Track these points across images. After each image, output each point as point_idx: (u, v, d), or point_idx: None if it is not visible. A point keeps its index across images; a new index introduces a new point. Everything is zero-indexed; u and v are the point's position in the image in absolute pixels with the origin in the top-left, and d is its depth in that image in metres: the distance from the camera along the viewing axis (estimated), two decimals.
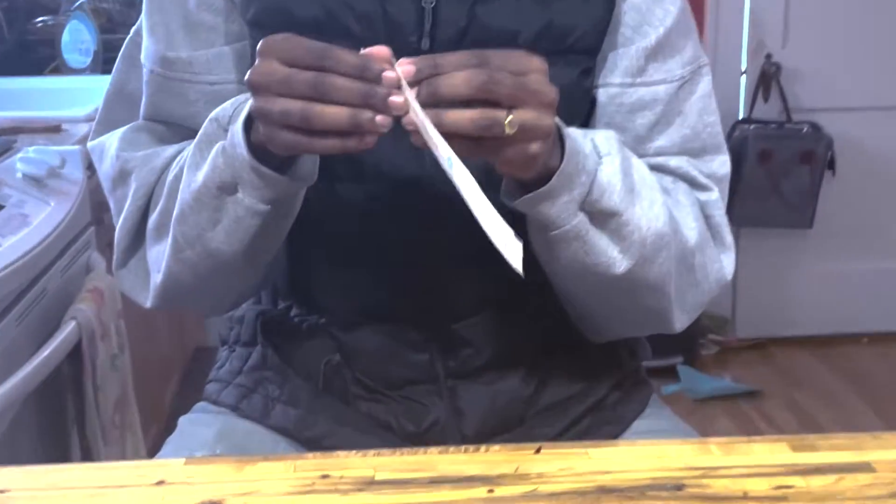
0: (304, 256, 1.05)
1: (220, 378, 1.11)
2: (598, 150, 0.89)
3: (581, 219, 0.87)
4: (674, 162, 1.00)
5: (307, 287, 1.07)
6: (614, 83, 0.98)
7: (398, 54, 0.93)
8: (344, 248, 1.01)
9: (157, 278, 0.97)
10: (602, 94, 0.99)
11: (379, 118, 0.77)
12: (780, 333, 3.28)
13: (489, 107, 0.77)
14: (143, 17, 1.01)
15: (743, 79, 3.19)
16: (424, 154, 0.91)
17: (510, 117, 0.77)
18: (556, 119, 0.85)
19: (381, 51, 0.78)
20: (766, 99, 3.14)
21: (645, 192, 0.91)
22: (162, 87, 0.99)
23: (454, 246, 0.98)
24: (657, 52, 0.98)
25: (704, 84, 1.01)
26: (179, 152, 0.97)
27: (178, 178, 0.93)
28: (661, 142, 0.99)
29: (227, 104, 0.90)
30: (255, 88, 0.79)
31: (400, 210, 0.97)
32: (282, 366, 1.07)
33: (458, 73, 0.76)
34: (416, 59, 0.77)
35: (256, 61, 0.79)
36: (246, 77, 0.80)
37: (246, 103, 0.86)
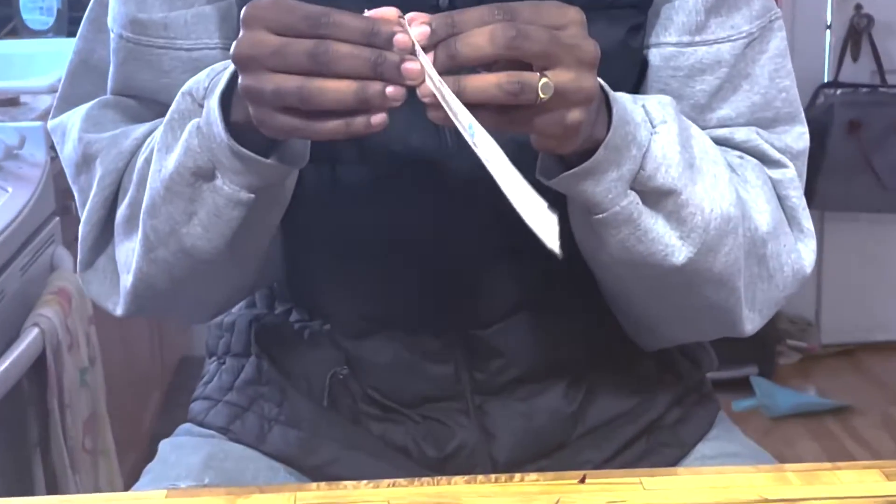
0: (303, 252, 1.05)
1: (208, 395, 1.12)
2: (650, 117, 0.89)
3: (632, 199, 0.87)
4: (741, 134, 0.99)
5: (309, 288, 1.07)
6: (669, 42, 0.98)
7: (416, 11, 0.94)
8: (350, 241, 1.01)
9: (127, 281, 0.97)
10: (655, 56, 0.99)
11: (390, 90, 0.76)
12: (874, 338, 3.26)
13: (519, 69, 0.77)
14: None
15: (827, 34, 3.17)
16: (444, 129, 0.91)
17: (544, 80, 0.77)
18: (601, 81, 0.85)
19: (388, 11, 0.78)
20: (855, 58, 3.12)
21: (707, 167, 0.91)
22: (132, 54, 0.99)
23: (482, 237, 0.98)
24: (720, 5, 0.98)
25: (777, 41, 1.01)
26: (152, 131, 0.98)
27: (148, 162, 0.93)
28: (725, 111, 0.99)
29: (202, 74, 0.90)
30: (242, 64, 0.79)
31: (416, 196, 0.98)
32: (280, 380, 1.07)
33: (481, 30, 0.76)
34: (431, 17, 0.77)
35: (241, 31, 0.79)
36: (231, 50, 0.80)
37: (223, 73, 0.86)
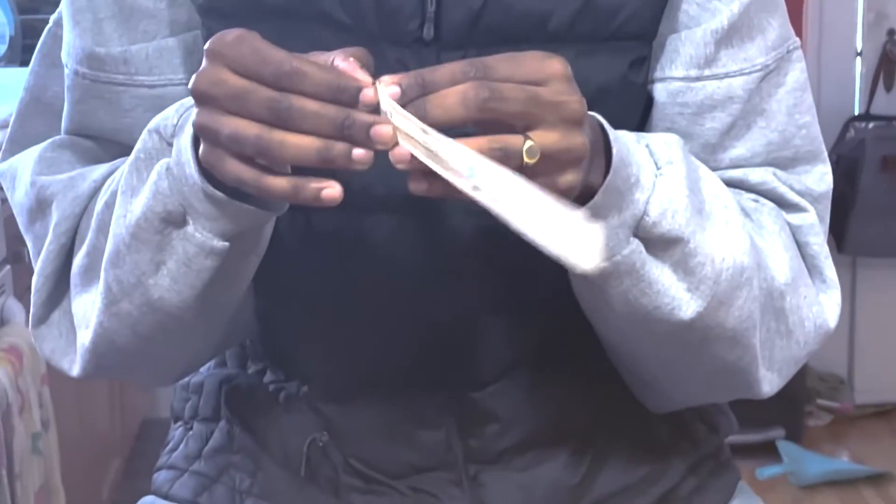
0: (277, 307, 1.05)
1: (173, 464, 1.11)
2: (655, 158, 0.89)
3: (635, 247, 0.88)
4: (756, 175, 1.00)
5: (284, 346, 1.07)
6: (676, 76, 0.99)
7: (395, 45, 0.95)
8: (328, 296, 1.01)
9: (85, 337, 0.97)
10: (660, 92, 1.00)
11: (358, 153, 0.77)
12: None
13: (502, 130, 0.78)
14: (63, 2, 1.02)
15: (858, 62, 3.19)
16: None
17: (528, 143, 0.78)
18: (598, 118, 0.85)
19: (352, 66, 0.79)
20: (888, 88, 3.14)
21: (718, 212, 0.91)
22: (89, 91, 1.00)
23: (474, 290, 0.98)
24: (731, 35, 0.98)
25: (796, 73, 1.01)
26: (112, 172, 0.98)
27: (109, 206, 0.93)
28: (738, 150, 1.00)
29: (170, 110, 0.90)
30: (199, 99, 0.80)
31: (400, 246, 0.98)
32: (253, 448, 1.07)
33: (453, 90, 0.77)
34: (401, 77, 0.77)
35: (203, 63, 0.80)
36: (190, 83, 0.81)
37: (193, 108, 0.86)
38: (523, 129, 0.78)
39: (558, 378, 1.04)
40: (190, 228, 0.87)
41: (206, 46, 0.81)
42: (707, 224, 0.90)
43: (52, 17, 1.05)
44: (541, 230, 0.75)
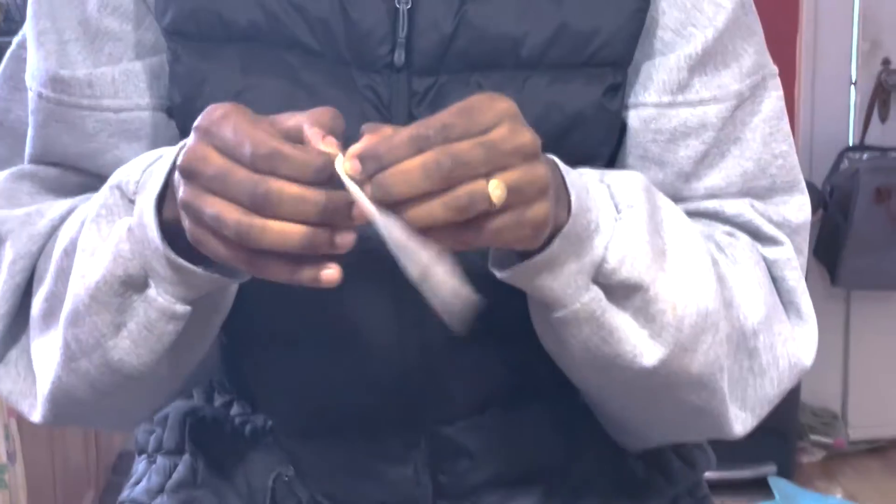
0: (242, 343, 1.05)
1: (135, 498, 1.10)
2: (616, 200, 0.89)
3: (594, 294, 0.87)
4: (732, 208, 1.00)
5: (250, 381, 1.06)
6: (648, 102, 0.99)
7: (365, 70, 0.94)
8: (294, 331, 1.01)
9: (44, 387, 0.96)
10: (633, 118, 0.99)
11: (339, 238, 0.77)
12: None
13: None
14: (28, 23, 1.01)
15: (852, 92, 3.20)
16: None
17: (493, 183, 0.77)
18: (556, 160, 0.85)
19: (316, 136, 0.78)
20: (883, 119, 3.15)
21: (681, 255, 0.91)
22: (53, 115, 0.99)
23: (446, 325, 0.97)
24: (706, 62, 0.98)
25: (772, 101, 1.01)
26: (71, 211, 0.97)
27: (69, 254, 0.92)
28: (712, 180, 0.99)
29: (134, 166, 0.89)
30: (185, 175, 0.80)
31: (368, 281, 0.97)
32: (217, 483, 1.06)
33: (413, 164, 0.76)
34: (360, 149, 0.77)
35: (191, 139, 0.80)
36: (178, 160, 0.80)
37: (157, 166, 0.86)
38: (485, 175, 0.78)
39: (532, 414, 1.03)
40: (151, 292, 0.87)
41: (195, 123, 0.80)
42: (669, 268, 0.90)
43: (16, 40, 1.05)
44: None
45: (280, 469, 1.03)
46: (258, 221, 0.77)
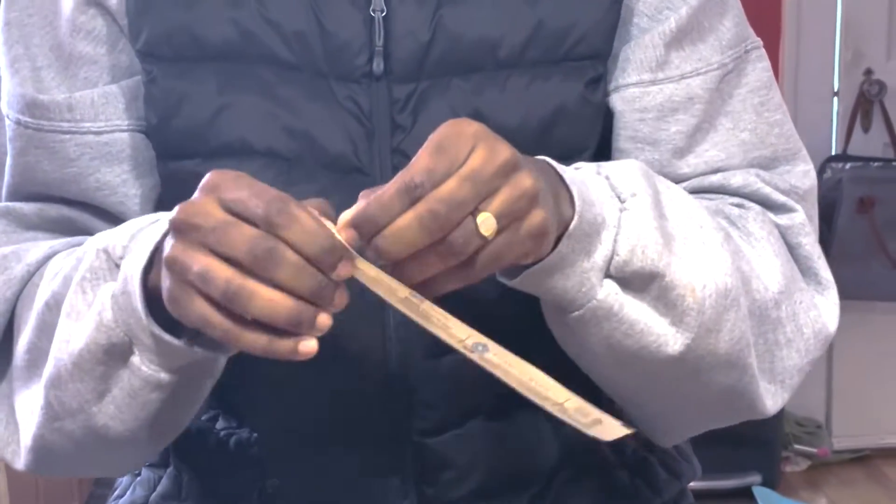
0: (226, 360, 1.04)
1: None
2: (617, 191, 0.89)
3: (609, 289, 0.87)
4: (737, 179, 0.99)
5: (235, 395, 1.06)
6: (629, 83, 0.99)
7: (343, 81, 0.95)
8: None
9: (26, 439, 0.95)
10: (617, 101, 0.99)
11: (322, 317, 0.77)
12: (892, 442, 3.26)
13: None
14: (0, 51, 1.00)
15: (835, 102, 3.21)
16: None
17: (480, 217, 0.77)
18: (550, 162, 0.85)
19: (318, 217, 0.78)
20: (865, 129, 3.16)
21: (692, 235, 0.90)
22: (32, 141, 0.98)
23: (434, 338, 0.97)
24: (681, 38, 0.98)
25: (758, 73, 1.01)
26: (49, 257, 0.96)
27: (51, 309, 0.91)
28: (711, 152, 0.99)
29: (123, 229, 0.89)
30: (178, 229, 0.78)
31: (352, 291, 0.96)
32: (201, 496, 1.06)
33: (406, 222, 0.76)
34: (353, 217, 0.77)
35: (195, 195, 0.79)
36: (172, 214, 0.79)
37: (146, 233, 0.86)
38: (473, 211, 0.77)
39: (517, 424, 1.03)
40: (136, 360, 0.86)
41: (203, 181, 0.79)
42: (681, 251, 0.89)
43: None
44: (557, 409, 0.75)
45: (265, 481, 1.03)
46: (250, 284, 0.76)
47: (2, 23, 1.00)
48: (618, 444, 1.04)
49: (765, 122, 1.00)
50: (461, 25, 0.95)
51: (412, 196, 0.76)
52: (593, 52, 0.97)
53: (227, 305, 0.77)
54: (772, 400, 0.97)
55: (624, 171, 0.90)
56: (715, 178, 0.99)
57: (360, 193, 0.79)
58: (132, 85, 0.99)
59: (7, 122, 1.00)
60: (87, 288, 0.88)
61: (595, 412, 0.75)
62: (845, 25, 3.16)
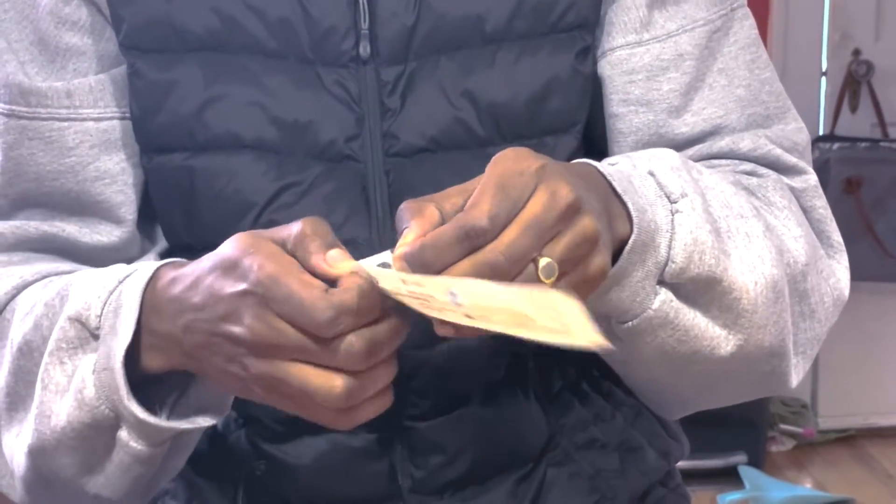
0: None
1: None
2: (666, 190, 0.87)
3: (664, 297, 0.85)
4: (746, 143, 0.98)
5: None
6: (615, 47, 0.98)
7: (330, 66, 0.94)
8: None
9: (19, 485, 0.93)
10: (604, 67, 0.98)
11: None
12: (876, 423, 3.27)
13: None
14: None
15: (823, 83, 3.21)
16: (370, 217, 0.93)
17: (542, 262, 0.75)
18: (598, 167, 0.83)
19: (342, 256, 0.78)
20: (853, 109, 3.16)
21: (737, 227, 0.89)
22: (26, 132, 0.96)
23: (426, 325, 0.97)
24: None
25: (747, 30, 1.00)
26: (19, 290, 0.94)
27: (24, 354, 0.90)
28: (709, 109, 0.98)
29: (88, 296, 0.87)
30: (257, 353, 0.78)
31: None
32: (189, 476, 1.05)
33: (460, 270, 0.74)
34: (403, 256, 0.75)
35: (241, 302, 0.77)
36: (237, 332, 0.78)
37: (123, 299, 0.84)
38: (534, 257, 0.75)
39: (508, 409, 1.03)
40: (123, 435, 0.86)
41: (237, 279, 0.78)
42: (733, 250, 0.87)
43: None
44: (537, 331, 0.72)
45: (253, 464, 1.03)
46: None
47: None
48: (606, 423, 1.05)
49: (756, 79, 1.00)
50: (446, 3, 0.94)
51: (472, 243, 0.74)
52: (581, 21, 0.97)
53: (338, 406, 0.78)
54: (796, 375, 0.97)
55: (667, 166, 0.88)
56: (724, 143, 0.98)
57: (403, 206, 0.77)
58: (121, 74, 0.97)
59: None
60: (65, 359, 0.87)
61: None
62: (833, 6, 3.16)
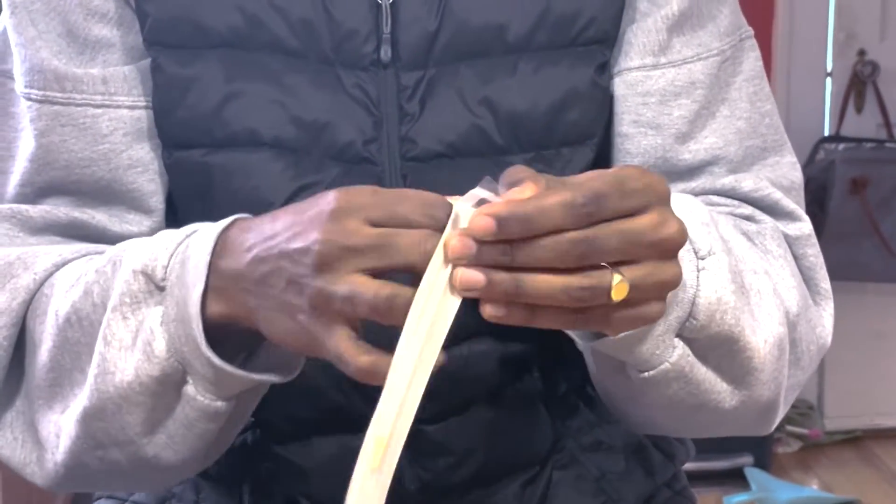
0: None
1: (113, 493, 1.09)
2: (694, 245, 0.86)
3: (682, 352, 0.86)
4: (748, 183, 0.99)
5: None
6: (632, 67, 0.99)
7: (350, 69, 0.94)
8: None
9: (57, 458, 0.90)
10: (619, 86, 0.99)
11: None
12: (883, 424, 3.27)
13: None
14: (9, 35, 0.98)
15: (828, 83, 3.21)
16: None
17: (617, 280, 0.73)
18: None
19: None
20: (858, 109, 3.16)
21: (748, 282, 0.89)
22: (59, 118, 0.96)
23: None
24: (682, 23, 0.99)
25: (752, 62, 1.02)
26: (58, 266, 0.92)
27: (73, 325, 0.87)
28: (710, 139, 0.99)
29: (153, 246, 0.85)
30: (323, 261, 0.74)
31: None
32: (195, 478, 1.05)
33: (549, 242, 0.71)
34: (499, 211, 0.72)
35: (326, 223, 0.74)
36: (313, 245, 0.74)
37: (193, 250, 0.82)
38: (614, 263, 0.74)
39: (516, 411, 1.03)
40: (190, 390, 0.84)
41: (331, 206, 0.75)
42: (747, 308, 0.88)
43: None
44: None
45: (260, 465, 1.03)
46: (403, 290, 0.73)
47: (9, 8, 0.98)
48: (612, 425, 1.06)
49: (757, 112, 1.01)
50: (468, 11, 0.95)
51: (573, 214, 0.71)
52: (601, 37, 0.97)
53: (380, 318, 0.74)
54: (777, 420, 0.98)
55: (698, 220, 0.87)
56: (727, 181, 0.99)
57: (507, 172, 0.74)
58: (147, 66, 0.97)
59: (25, 104, 0.97)
60: (129, 313, 0.84)
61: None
62: (838, 6, 3.16)
